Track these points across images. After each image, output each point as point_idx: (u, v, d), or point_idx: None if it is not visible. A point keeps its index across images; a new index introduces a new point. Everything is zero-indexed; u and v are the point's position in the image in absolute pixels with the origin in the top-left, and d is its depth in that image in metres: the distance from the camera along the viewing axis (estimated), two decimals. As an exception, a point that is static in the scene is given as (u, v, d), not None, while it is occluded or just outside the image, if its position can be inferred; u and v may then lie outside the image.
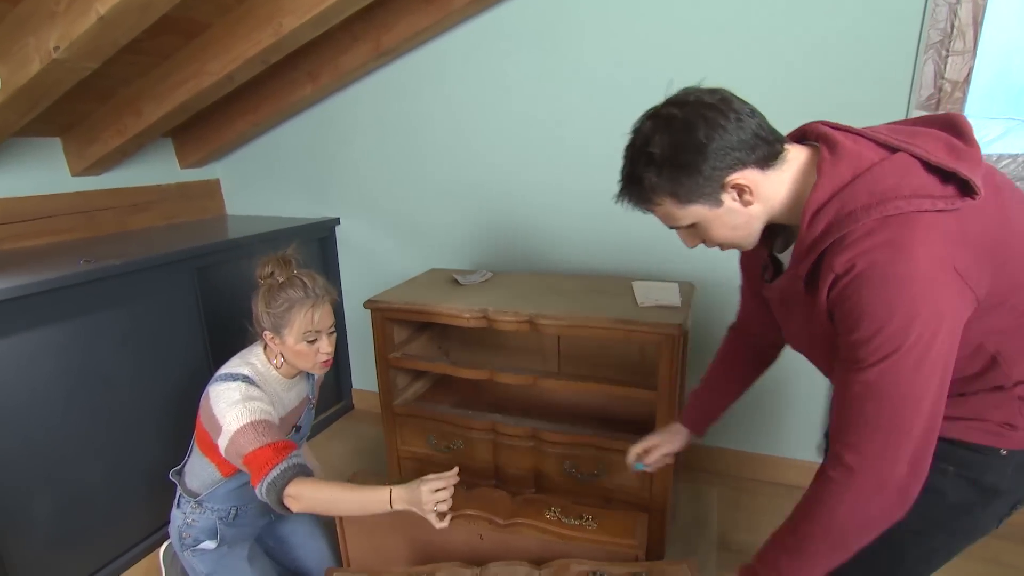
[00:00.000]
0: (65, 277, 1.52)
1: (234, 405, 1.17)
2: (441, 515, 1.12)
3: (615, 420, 1.75)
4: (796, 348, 0.88)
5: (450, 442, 1.80)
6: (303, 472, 1.16)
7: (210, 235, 2.09)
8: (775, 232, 0.88)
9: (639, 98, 1.90)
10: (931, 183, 0.69)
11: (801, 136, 0.84)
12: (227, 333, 1.98)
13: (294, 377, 1.35)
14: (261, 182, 2.58)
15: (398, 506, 1.12)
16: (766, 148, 0.77)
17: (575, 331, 1.53)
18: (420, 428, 1.84)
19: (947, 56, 1.57)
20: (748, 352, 1.15)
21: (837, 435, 0.75)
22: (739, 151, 0.75)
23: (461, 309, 1.64)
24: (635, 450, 1.27)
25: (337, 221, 2.47)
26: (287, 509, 1.14)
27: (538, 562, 1.24)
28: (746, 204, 0.79)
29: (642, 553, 1.27)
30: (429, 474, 1.14)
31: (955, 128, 0.74)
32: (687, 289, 1.75)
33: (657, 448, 1.26)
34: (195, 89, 1.81)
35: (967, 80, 1.57)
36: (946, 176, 0.69)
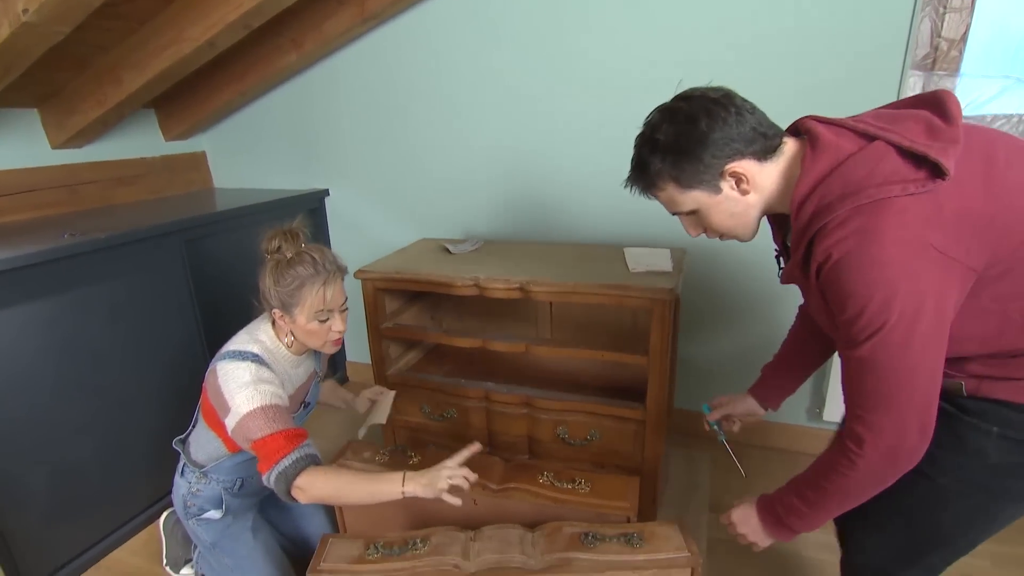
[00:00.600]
0: (49, 251, 1.50)
1: (244, 387, 1.15)
2: (455, 490, 1.13)
3: (607, 387, 1.76)
4: (820, 326, 0.93)
5: (444, 411, 1.82)
6: (314, 462, 1.15)
7: (198, 208, 2.07)
8: (786, 222, 0.93)
9: (632, 63, 1.86)
10: (904, 168, 0.73)
11: (795, 130, 0.89)
12: (218, 306, 1.98)
13: (303, 354, 1.34)
14: (248, 154, 2.54)
15: (411, 495, 1.13)
16: (763, 141, 0.83)
17: (567, 297, 1.53)
18: (414, 397, 1.85)
19: (944, 13, 1.54)
20: (815, 330, 1.16)
21: (848, 407, 0.81)
22: (738, 142, 0.82)
23: (452, 277, 1.64)
24: (713, 403, 1.29)
25: (327, 192, 2.44)
26: (293, 499, 1.13)
27: (531, 525, 1.26)
28: (743, 193, 0.86)
29: (634, 515, 1.29)
30: (447, 462, 1.15)
31: (939, 106, 0.77)
32: (678, 254, 1.76)
33: (720, 408, 1.29)
34: (176, 56, 1.76)
35: (964, 38, 1.55)
36: (919, 159, 0.73)
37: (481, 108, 2.09)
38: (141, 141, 2.35)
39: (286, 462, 1.13)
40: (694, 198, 0.88)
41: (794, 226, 0.82)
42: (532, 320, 2.01)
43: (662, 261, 1.65)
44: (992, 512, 0.90)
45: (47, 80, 1.84)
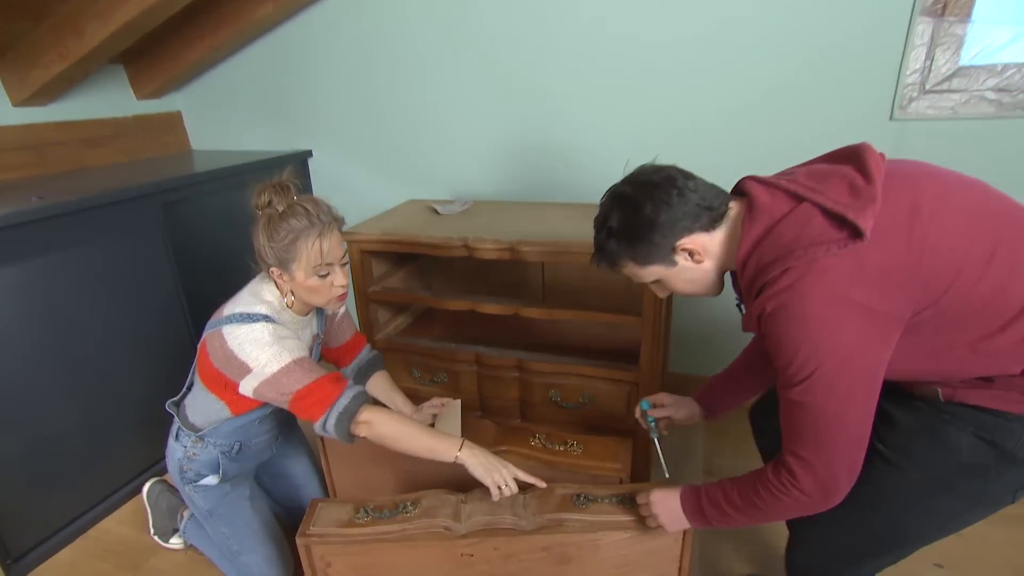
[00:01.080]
0: (15, 214, 1.44)
1: (267, 346, 1.13)
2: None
3: (600, 349, 1.75)
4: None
5: (434, 375, 1.81)
6: (370, 400, 1.18)
7: (175, 170, 2.00)
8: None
9: (627, 15, 1.78)
10: (828, 229, 0.80)
11: (739, 190, 0.96)
12: (199, 271, 1.94)
13: (307, 315, 1.30)
14: (226, 114, 2.45)
15: (461, 461, 1.14)
16: (708, 214, 0.91)
17: (558, 258, 1.51)
18: (403, 362, 1.84)
19: (954, -45, 1.48)
20: (767, 359, 1.21)
21: (784, 442, 0.87)
22: (684, 220, 0.90)
23: (441, 239, 1.61)
24: (650, 399, 1.30)
25: (309, 153, 2.38)
26: (353, 438, 1.15)
27: (523, 487, 1.26)
28: (697, 262, 0.94)
29: (627, 477, 1.29)
30: (512, 465, 1.17)
31: (860, 163, 0.84)
32: None
33: (663, 408, 1.29)
34: (141, 5, 1.67)
35: (975, -19, 1.49)
36: (841, 220, 0.79)
37: (470, 63, 2.02)
38: (111, 100, 2.26)
39: (344, 401, 1.14)
40: (653, 272, 0.97)
41: (741, 283, 0.90)
42: (524, 282, 1.99)
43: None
44: (955, 514, 0.93)
45: (2, 30, 1.74)
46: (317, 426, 1.15)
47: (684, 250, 0.93)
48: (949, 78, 1.57)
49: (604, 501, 1.17)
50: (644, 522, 1.09)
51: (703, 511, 1.00)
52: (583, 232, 1.56)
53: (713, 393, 1.29)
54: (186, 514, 1.58)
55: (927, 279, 0.78)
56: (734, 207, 0.93)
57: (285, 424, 1.49)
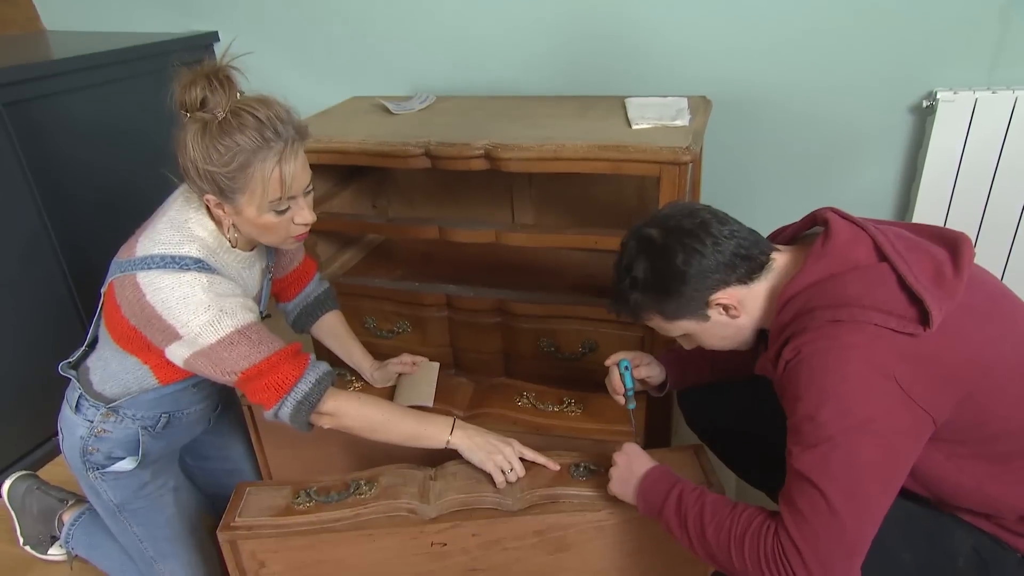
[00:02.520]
0: None
1: (200, 309, 1.08)
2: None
3: (604, 287, 1.73)
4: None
5: (394, 324, 1.80)
6: (333, 381, 1.19)
7: (21, 57, 1.92)
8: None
9: None
10: (897, 302, 0.88)
11: (812, 222, 1.05)
12: (69, 196, 1.89)
13: (254, 249, 1.25)
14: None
15: (454, 447, 1.20)
16: (747, 265, 0.98)
17: (547, 166, 1.48)
18: (354, 309, 1.81)
19: None
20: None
21: (783, 517, 0.90)
22: (719, 273, 0.97)
23: (395, 145, 1.58)
24: (627, 356, 1.31)
25: (214, 36, 2.32)
26: (311, 427, 1.18)
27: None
28: (732, 317, 1.01)
29: (640, 441, 1.30)
30: (516, 442, 1.22)
31: (954, 252, 0.93)
32: (700, 105, 1.71)
33: (643, 368, 1.31)
34: None
35: None
36: (915, 298, 0.87)
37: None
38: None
39: (304, 386, 1.14)
40: (682, 326, 1.05)
41: (776, 320, 0.97)
42: (505, 202, 1.97)
43: (676, 113, 1.59)
44: None
45: None
46: (268, 414, 1.15)
47: (719, 304, 1.00)
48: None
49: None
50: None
51: (662, 505, 1.02)
52: (579, 132, 1.54)
53: (680, 363, 1.34)
54: (67, 518, 1.57)
55: (968, 395, 0.89)
56: (778, 258, 1.01)
57: (226, 388, 1.48)
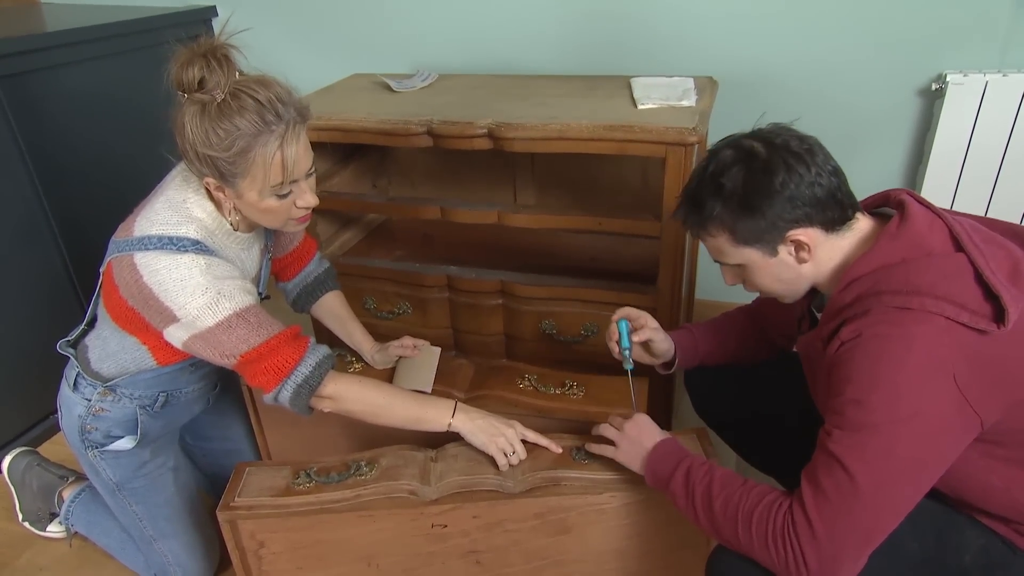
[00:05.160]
0: None
1: (199, 292, 1.07)
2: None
3: (608, 269, 1.75)
4: (820, 412, 1.02)
5: (394, 305, 1.81)
6: (333, 363, 1.18)
7: (15, 29, 1.89)
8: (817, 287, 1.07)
9: None
10: (972, 295, 0.85)
11: (883, 201, 1.01)
12: (65, 172, 1.87)
13: (254, 231, 1.24)
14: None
15: (456, 429, 1.20)
16: (837, 212, 0.94)
17: (551, 145, 1.48)
18: (353, 290, 1.82)
19: None
20: (754, 325, 1.32)
21: (802, 492, 0.88)
22: (810, 207, 0.92)
23: (397, 122, 1.57)
24: (632, 313, 1.28)
25: (213, 12, 2.29)
26: (311, 411, 1.18)
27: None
28: (800, 261, 0.97)
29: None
30: (518, 424, 1.22)
31: None
32: (706, 85, 1.70)
33: (646, 331, 1.26)
34: None
35: None
36: (990, 294, 0.85)
37: None
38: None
39: (304, 370, 1.13)
40: (745, 254, 0.98)
41: (834, 299, 0.94)
42: (507, 183, 1.97)
43: (682, 93, 1.58)
44: None
45: None
46: (267, 398, 1.15)
47: (794, 241, 0.94)
48: None
49: (611, 455, 1.18)
50: (605, 446, 1.15)
51: (670, 477, 1.02)
52: (584, 112, 1.52)
53: (692, 339, 1.32)
54: (67, 495, 1.57)
55: (1020, 398, 0.87)
56: (861, 222, 0.97)
57: (225, 368, 1.47)
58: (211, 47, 1.02)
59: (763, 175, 0.92)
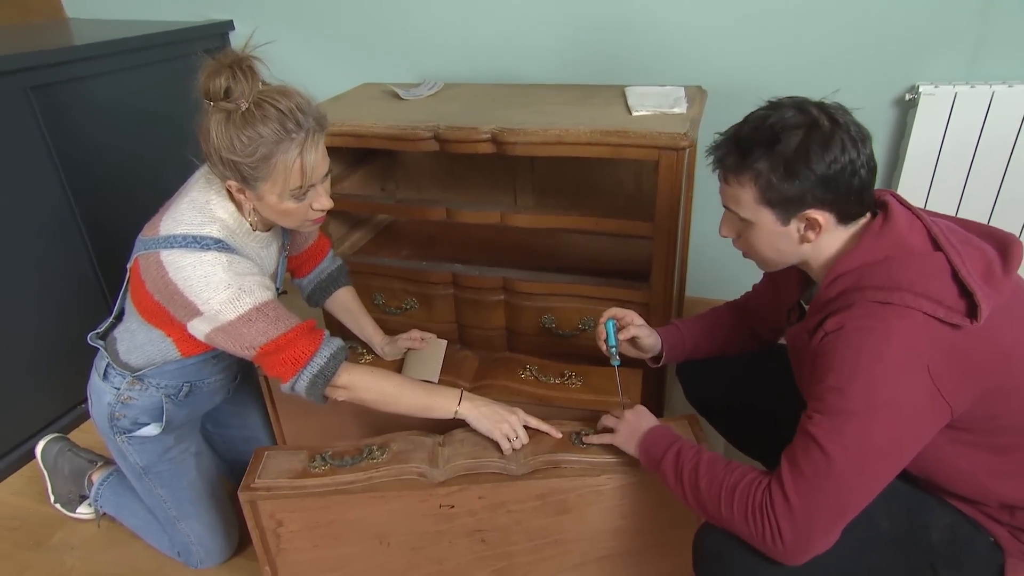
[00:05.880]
0: None
1: (221, 287, 1.08)
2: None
3: (604, 268, 1.74)
4: (802, 394, 1.03)
5: (402, 301, 1.80)
6: (346, 355, 1.19)
7: (44, 43, 1.88)
8: (810, 281, 1.07)
9: None
10: (948, 292, 0.86)
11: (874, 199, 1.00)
12: (93, 173, 1.87)
13: (271, 230, 1.24)
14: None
15: (462, 416, 1.20)
16: (858, 208, 0.94)
17: (551, 150, 1.47)
18: (363, 287, 1.81)
19: None
20: (739, 319, 1.33)
21: (781, 470, 0.90)
22: (840, 193, 0.90)
23: (405, 128, 1.57)
24: (618, 313, 1.29)
25: (230, 25, 2.27)
26: (326, 400, 1.18)
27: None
28: (803, 240, 0.96)
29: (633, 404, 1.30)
30: (521, 411, 1.23)
31: (1004, 252, 0.91)
32: (695, 94, 1.69)
33: (633, 328, 1.27)
34: None
35: None
36: (965, 291, 0.86)
37: None
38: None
39: (319, 360, 1.13)
40: (759, 215, 0.95)
41: (820, 293, 0.95)
42: (508, 186, 1.96)
43: (674, 101, 1.58)
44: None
45: None
46: (285, 387, 1.15)
47: (809, 220, 0.93)
48: None
49: (609, 440, 1.18)
50: (604, 434, 1.18)
51: (662, 457, 1.04)
52: (581, 118, 1.52)
53: (678, 335, 1.32)
54: (96, 478, 1.58)
55: (989, 391, 0.88)
56: (863, 221, 0.96)
57: (245, 360, 1.47)
58: (237, 59, 1.03)
59: (819, 147, 0.88)
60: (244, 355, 1.14)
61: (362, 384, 1.19)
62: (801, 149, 0.89)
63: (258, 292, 1.11)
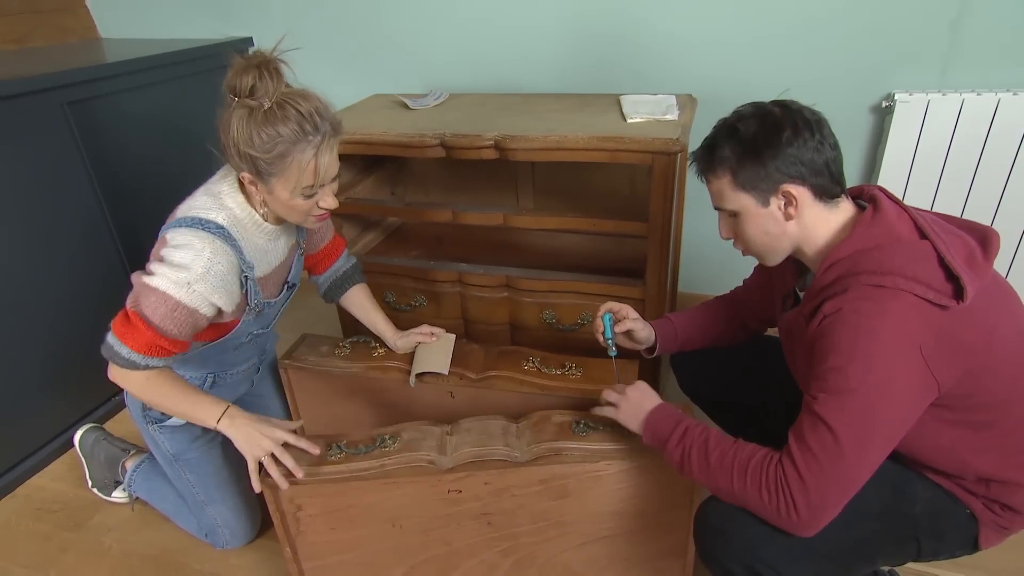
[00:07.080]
0: None
1: (186, 261, 1.04)
2: (261, 469, 1.11)
3: (601, 266, 1.73)
4: (799, 383, 1.03)
5: (411, 299, 1.78)
6: (150, 371, 1.10)
7: (80, 61, 1.86)
8: (804, 270, 1.07)
9: None
10: (936, 277, 0.86)
11: (858, 194, 1.01)
12: (125, 183, 1.85)
13: (283, 223, 1.20)
14: (143, -8, 2.28)
15: (222, 429, 1.12)
16: (828, 181, 0.94)
17: (550, 155, 1.45)
18: (375, 285, 1.78)
19: None
20: (730, 312, 1.30)
21: (790, 448, 0.89)
22: (806, 167, 0.92)
23: (413, 136, 1.55)
24: (615, 307, 1.27)
25: (250, 42, 2.24)
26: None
27: (516, 417, 1.25)
28: (787, 217, 0.95)
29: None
30: (286, 426, 1.15)
31: (983, 242, 0.93)
32: (687, 102, 1.67)
33: (628, 321, 1.25)
34: None
35: None
36: (951, 276, 0.86)
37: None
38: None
39: (133, 357, 1.07)
40: (740, 200, 0.96)
41: (816, 281, 0.94)
42: (511, 188, 1.94)
43: (666, 109, 1.56)
44: (883, 545, 1.02)
45: None
46: (104, 347, 1.09)
47: (785, 195, 0.94)
48: None
49: (607, 428, 1.16)
50: (606, 407, 1.13)
51: (668, 435, 1.01)
52: (579, 125, 1.50)
53: (671, 327, 1.30)
54: (130, 465, 1.56)
55: (973, 369, 0.88)
56: (845, 204, 0.97)
57: (264, 353, 1.46)
58: (265, 60, 1.01)
59: (773, 129, 0.92)
60: (125, 305, 1.08)
61: (133, 388, 1.12)
62: (757, 133, 0.93)
63: (202, 303, 1.07)
